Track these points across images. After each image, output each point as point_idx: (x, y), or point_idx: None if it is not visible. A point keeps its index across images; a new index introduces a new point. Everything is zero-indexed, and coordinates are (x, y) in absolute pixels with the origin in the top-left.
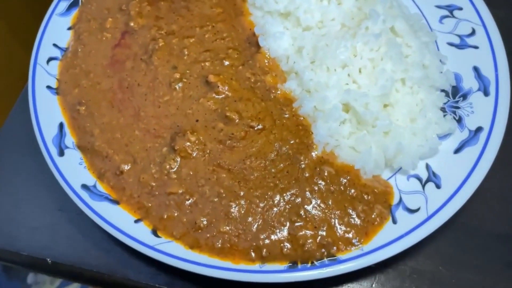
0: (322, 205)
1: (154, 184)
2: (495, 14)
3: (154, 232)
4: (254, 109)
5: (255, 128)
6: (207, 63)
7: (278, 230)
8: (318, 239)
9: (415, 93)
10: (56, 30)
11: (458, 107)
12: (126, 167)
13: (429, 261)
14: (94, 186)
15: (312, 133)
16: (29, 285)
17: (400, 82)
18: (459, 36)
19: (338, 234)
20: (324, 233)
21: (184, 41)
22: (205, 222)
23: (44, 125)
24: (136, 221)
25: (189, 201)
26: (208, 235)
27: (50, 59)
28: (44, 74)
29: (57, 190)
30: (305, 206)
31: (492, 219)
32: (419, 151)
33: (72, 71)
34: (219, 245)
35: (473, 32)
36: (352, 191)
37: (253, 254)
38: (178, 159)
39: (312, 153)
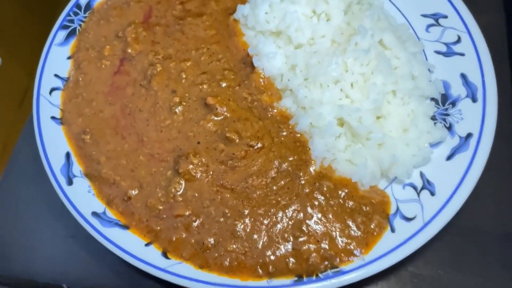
0: (323, 219)
1: (161, 207)
2: (480, 21)
3: (164, 254)
4: (253, 128)
5: (255, 147)
6: (204, 86)
7: (282, 246)
8: (321, 252)
9: (406, 104)
10: (56, 60)
11: (448, 115)
12: (134, 192)
13: (429, 266)
14: (104, 212)
15: (309, 149)
16: None
17: (391, 94)
18: (446, 44)
19: (340, 246)
20: (326, 246)
21: (181, 65)
22: (212, 242)
23: (51, 155)
24: (146, 245)
25: (196, 222)
26: (216, 255)
27: (53, 90)
28: (48, 105)
29: (68, 218)
30: (307, 221)
31: (488, 222)
32: (413, 160)
33: (75, 101)
34: (227, 264)
35: (458, 40)
36: (351, 203)
37: (260, 271)
38: (183, 182)
39: (311, 168)
